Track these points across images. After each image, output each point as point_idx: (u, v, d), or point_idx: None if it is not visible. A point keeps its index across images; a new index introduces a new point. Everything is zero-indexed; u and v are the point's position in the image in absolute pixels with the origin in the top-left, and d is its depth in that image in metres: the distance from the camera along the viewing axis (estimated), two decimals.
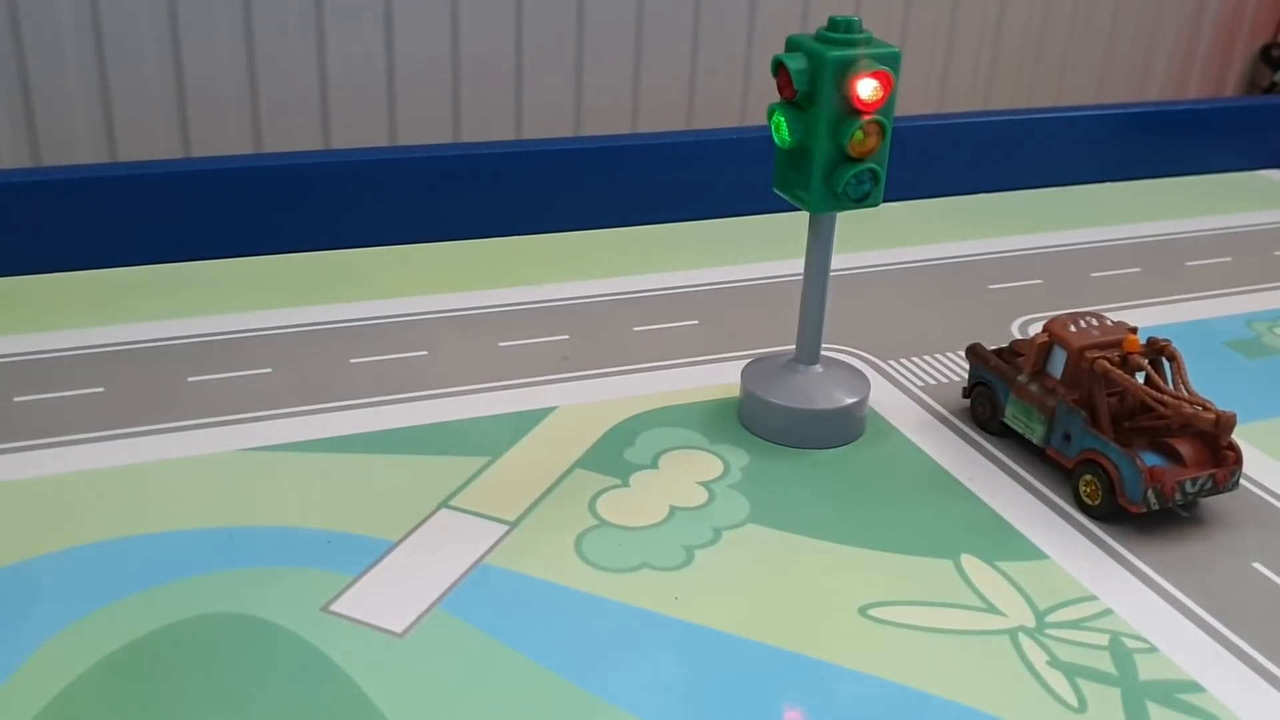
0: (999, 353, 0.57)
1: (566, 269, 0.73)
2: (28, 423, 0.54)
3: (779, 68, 0.50)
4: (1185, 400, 0.50)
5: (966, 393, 0.58)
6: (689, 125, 1.13)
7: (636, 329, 0.66)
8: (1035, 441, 0.53)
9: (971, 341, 0.59)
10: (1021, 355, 0.56)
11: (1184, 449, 0.50)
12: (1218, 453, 0.50)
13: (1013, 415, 0.54)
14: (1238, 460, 0.50)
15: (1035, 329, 0.67)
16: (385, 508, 0.49)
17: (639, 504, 0.50)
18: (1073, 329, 0.52)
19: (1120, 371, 0.51)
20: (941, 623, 0.44)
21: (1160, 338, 0.53)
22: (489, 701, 0.39)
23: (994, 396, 0.56)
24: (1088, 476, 0.51)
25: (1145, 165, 0.96)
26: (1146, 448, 0.50)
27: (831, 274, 0.55)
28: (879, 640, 0.43)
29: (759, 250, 0.76)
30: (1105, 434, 0.50)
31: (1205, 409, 0.49)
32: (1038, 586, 0.46)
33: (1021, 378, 0.54)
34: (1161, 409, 0.50)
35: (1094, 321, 0.53)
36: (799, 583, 0.46)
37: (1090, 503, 0.51)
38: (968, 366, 0.58)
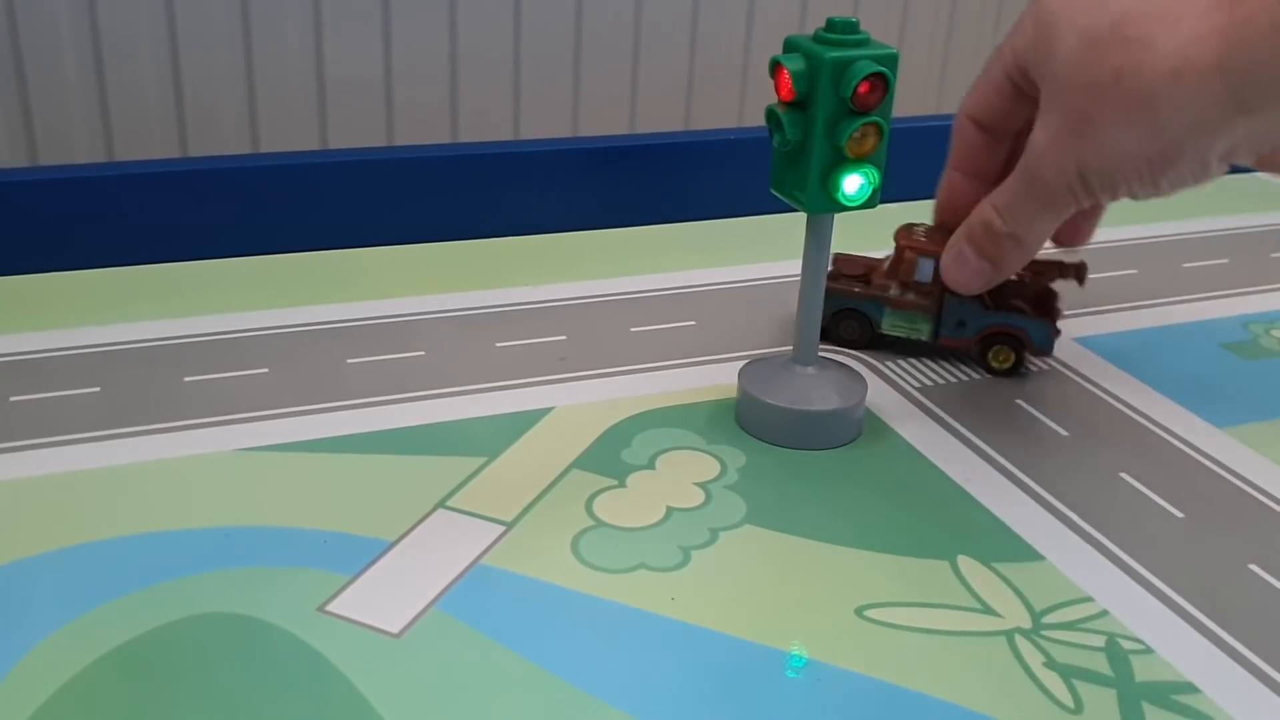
0: (843, 278, 0.63)
1: (564, 269, 0.73)
2: (23, 422, 0.54)
3: (777, 68, 0.50)
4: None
5: (824, 330, 0.60)
6: (687, 126, 1.13)
7: (634, 329, 0.66)
8: (922, 339, 0.61)
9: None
10: (862, 277, 0.63)
11: (1037, 306, 0.61)
12: (1053, 307, 0.61)
13: (891, 324, 0.62)
14: (1059, 313, 0.61)
15: None
16: (382, 508, 0.49)
17: (636, 504, 0.50)
18: (923, 239, 0.60)
19: None
20: (938, 624, 0.44)
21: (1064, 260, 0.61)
22: (485, 701, 0.39)
23: (864, 317, 0.62)
24: (997, 347, 0.60)
25: None
26: (1011, 306, 0.61)
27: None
28: (875, 641, 0.43)
29: (756, 251, 0.76)
30: (1006, 308, 0.60)
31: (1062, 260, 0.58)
32: (1034, 588, 0.46)
33: (894, 292, 0.61)
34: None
35: (920, 228, 0.61)
36: (795, 583, 0.46)
37: (1001, 366, 0.61)
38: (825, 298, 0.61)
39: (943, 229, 0.57)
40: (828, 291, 0.59)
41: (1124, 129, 0.44)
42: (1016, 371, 0.61)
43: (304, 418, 0.55)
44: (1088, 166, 0.45)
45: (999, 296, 0.60)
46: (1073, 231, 0.56)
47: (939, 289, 0.60)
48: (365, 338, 0.63)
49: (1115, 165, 0.45)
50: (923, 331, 0.61)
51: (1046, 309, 0.61)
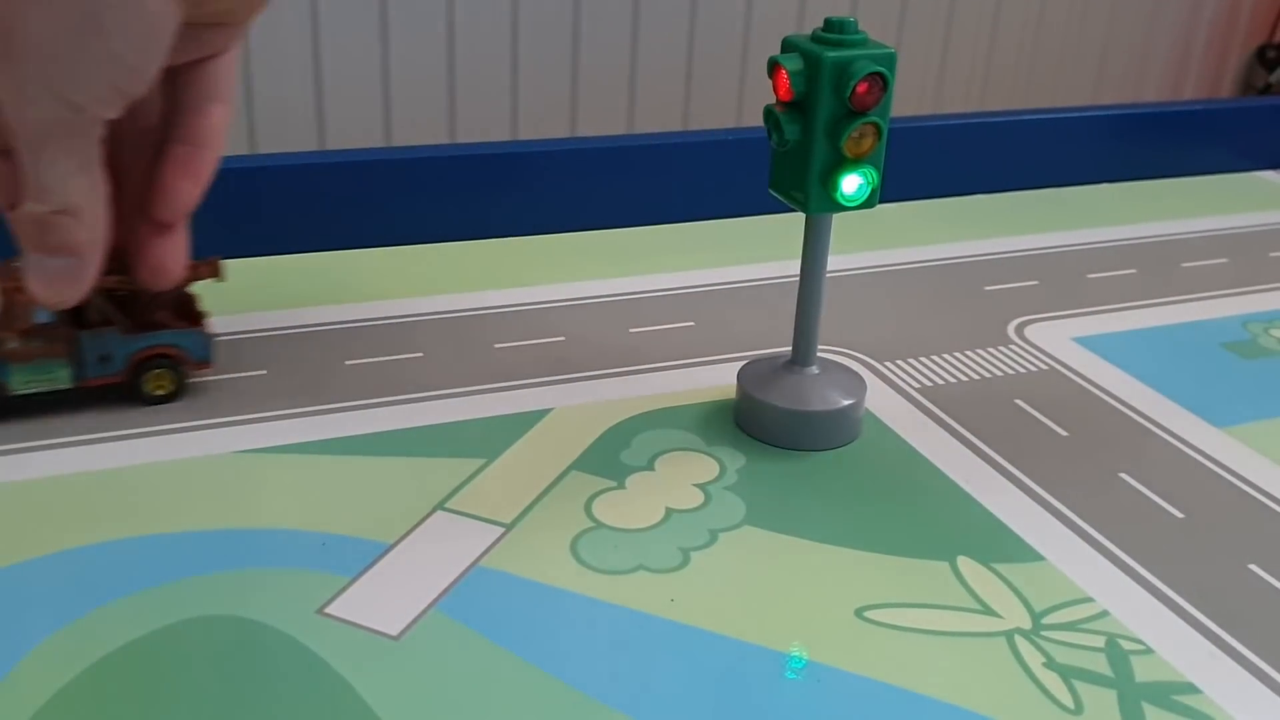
0: None
1: (562, 270, 0.73)
2: (22, 423, 0.53)
3: (775, 69, 0.50)
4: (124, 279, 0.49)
5: None
6: (685, 126, 1.13)
7: (632, 330, 0.65)
8: (65, 385, 0.53)
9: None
10: None
11: (183, 315, 0.55)
12: (197, 312, 0.56)
13: (24, 382, 0.52)
14: (205, 315, 0.55)
15: (1031, 330, 0.67)
16: (381, 510, 0.49)
17: (635, 506, 0.50)
18: (10, 281, 0.50)
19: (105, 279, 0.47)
20: (938, 625, 0.44)
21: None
22: (485, 704, 0.39)
23: None
24: (153, 372, 0.54)
25: (1141, 166, 0.96)
26: (157, 323, 0.54)
27: (828, 275, 0.55)
28: (875, 642, 0.43)
29: (755, 252, 0.76)
30: (151, 327, 0.53)
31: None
32: (1034, 588, 0.46)
33: (14, 345, 0.51)
34: (128, 286, 0.51)
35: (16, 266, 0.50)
36: (795, 584, 0.46)
37: (162, 392, 0.54)
38: None
39: None
40: None
41: (39, 19, 0.39)
42: (181, 395, 0.55)
43: (303, 419, 0.55)
44: (43, 79, 0.40)
45: (138, 316, 0.54)
46: (158, 264, 0.49)
47: (69, 326, 0.52)
48: (363, 339, 0.63)
49: (57, 56, 0.40)
50: (63, 379, 0.53)
51: (193, 316, 0.56)
